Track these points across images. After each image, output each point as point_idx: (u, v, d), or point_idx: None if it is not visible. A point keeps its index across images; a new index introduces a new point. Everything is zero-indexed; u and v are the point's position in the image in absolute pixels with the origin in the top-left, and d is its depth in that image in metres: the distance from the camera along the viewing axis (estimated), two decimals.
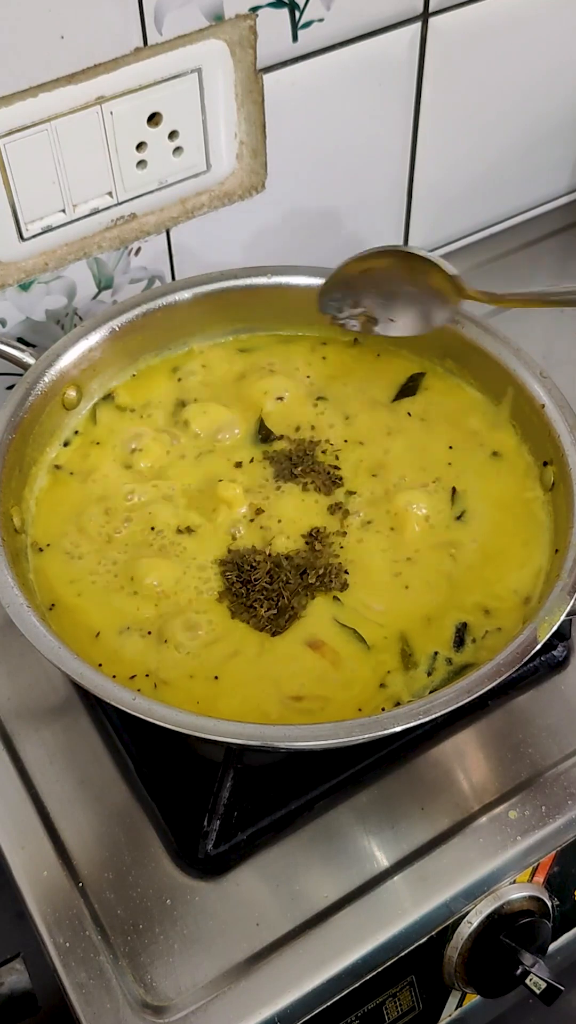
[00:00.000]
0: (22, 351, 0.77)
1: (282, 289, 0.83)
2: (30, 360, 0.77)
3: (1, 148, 0.74)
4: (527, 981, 0.68)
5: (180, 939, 0.65)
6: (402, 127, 0.94)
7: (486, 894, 0.67)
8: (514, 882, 0.68)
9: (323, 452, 0.78)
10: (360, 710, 0.65)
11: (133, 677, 0.66)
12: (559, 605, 0.64)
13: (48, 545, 0.73)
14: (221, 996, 0.62)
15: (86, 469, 0.77)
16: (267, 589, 0.70)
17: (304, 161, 0.90)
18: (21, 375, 0.76)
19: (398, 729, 0.59)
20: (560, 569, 0.67)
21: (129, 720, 0.62)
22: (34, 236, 0.80)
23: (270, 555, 0.72)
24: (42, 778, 0.72)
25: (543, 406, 0.75)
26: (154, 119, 0.80)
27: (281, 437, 0.79)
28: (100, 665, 0.66)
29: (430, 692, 0.64)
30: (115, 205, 0.82)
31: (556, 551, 0.70)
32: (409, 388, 0.82)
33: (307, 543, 0.73)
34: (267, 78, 0.82)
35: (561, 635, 0.77)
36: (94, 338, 0.79)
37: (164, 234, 0.87)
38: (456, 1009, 0.74)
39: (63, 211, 0.80)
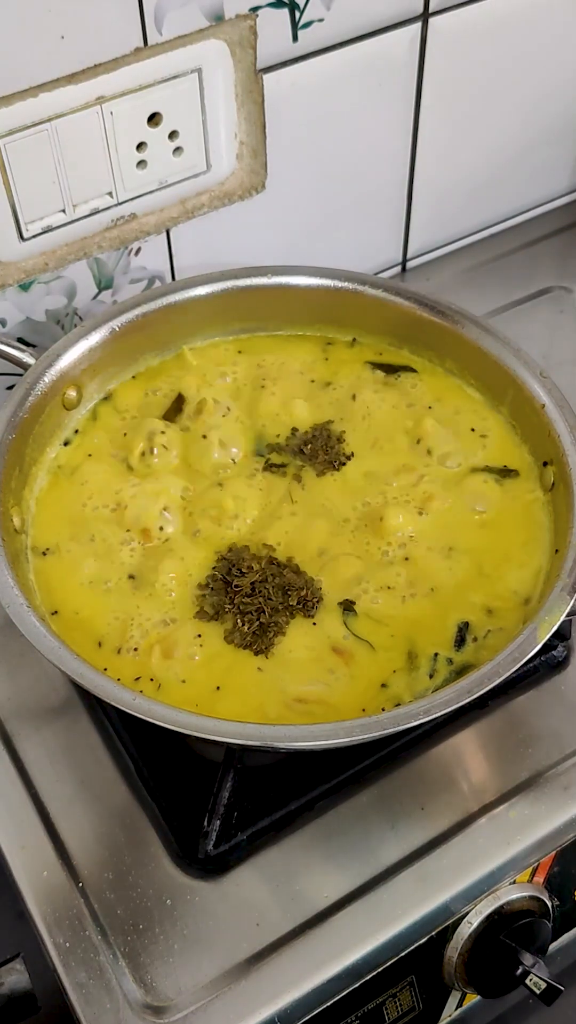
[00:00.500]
0: (22, 351, 0.77)
1: (282, 289, 0.83)
2: (30, 360, 0.77)
3: (1, 148, 0.74)
4: (527, 981, 0.68)
5: (180, 939, 0.65)
6: (402, 127, 0.94)
7: (486, 894, 0.67)
8: (514, 882, 0.68)
9: (324, 452, 0.78)
10: (364, 710, 0.65)
11: (138, 679, 0.66)
12: (559, 605, 0.64)
13: (48, 549, 0.73)
14: (221, 996, 0.62)
15: (86, 469, 0.77)
16: (246, 602, 0.69)
17: (304, 161, 0.90)
18: (21, 375, 0.76)
19: (398, 729, 0.59)
20: (560, 569, 0.67)
21: (129, 720, 0.62)
22: (34, 236, 0.80)
23: (263, 562, 0.72)
24: (42, 778, 0.71)
25: (543, 406, 0.75)
26: (154, 119, 0.80)
27: (282, 438, 0.79)
28: (105, 670, 0.66)
29: (431, 692, 0.64)
30: (115, 205, 0.82)
31: (556, 551, 0.70)
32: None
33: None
34: (267, 78, 0.82)
35: (561, 635, 0.77)
36: (94, 338, 0.79)
37: (164, 234, 0.87)
38: (456, 1009, 0.74)
39: (63, 211, 0.80)
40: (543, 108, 1.01)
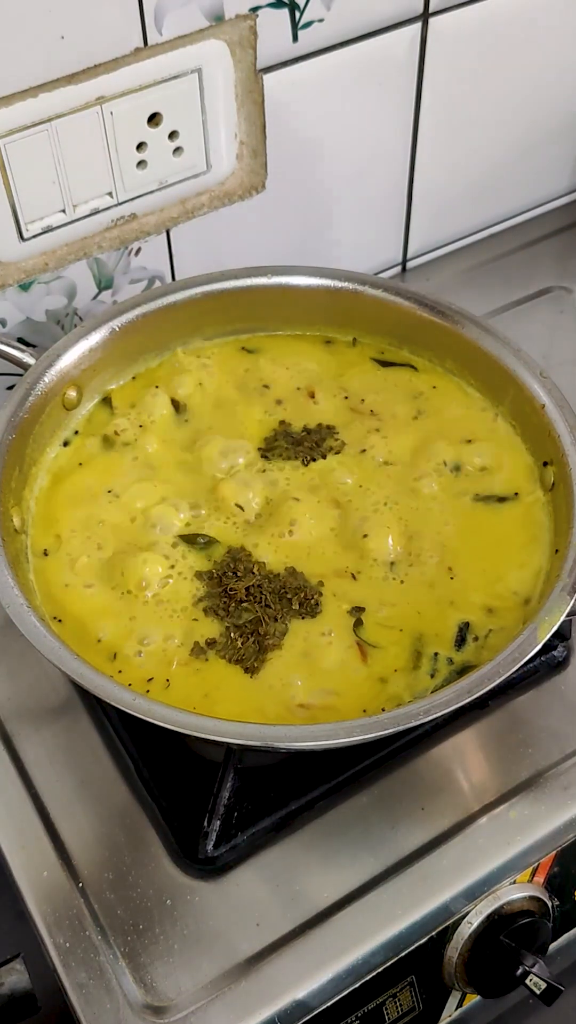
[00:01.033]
0: (22, 351, 0.77)
1: (282, 289, 0.83)
2: (30, 360, 0.77)
3: (1, 148, 0.74)
4: (527, 981, 0.68)
5: (180, 939, 0.65)
6: (402, 127, 0.94)
7: (486, 894, 0.67)
8: (514, 882, 0.68)
9: (325, 453, 0.78)
10: (365, 711, 0.65)
11: (151, 680, 0.66)
12: (559, 605, 0.64)
13: (46, 550, 0.73)
14: (221, 996, 0.62)
15: (86, 469, 0.77)
16: (244, 608, 0.69)
17: (304, 161, 0.90)
18: (21, 375, 0.76)
19: (398, 729, 0.59)
20: (560, 569, 0.67)
21: (129, 720, 0.62)
22: (34, 236, 0.80)
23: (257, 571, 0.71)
24: (42, 778, 0.71)
25: (543, 406, 0.75)
26: (154, 119, 0.80)
27: (283, 438, 0.79)
28: (120, 672, 0.66)
29: (431, 692, 0.64)
30: (115, 205, 0.82)
31: (556, 552, 0.70)
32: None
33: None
34: (267, 78, 0.83)
35: (561, 635, 0.77)
36: (94, 338, 0.79)
37: (164, 234, 0.87)
38: (456, 1009, 0.74)
39: (63, 211, 0.80)
40: (543, 108, 1.01)
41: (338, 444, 0.79)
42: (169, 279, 0.91)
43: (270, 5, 0.79)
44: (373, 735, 0.59)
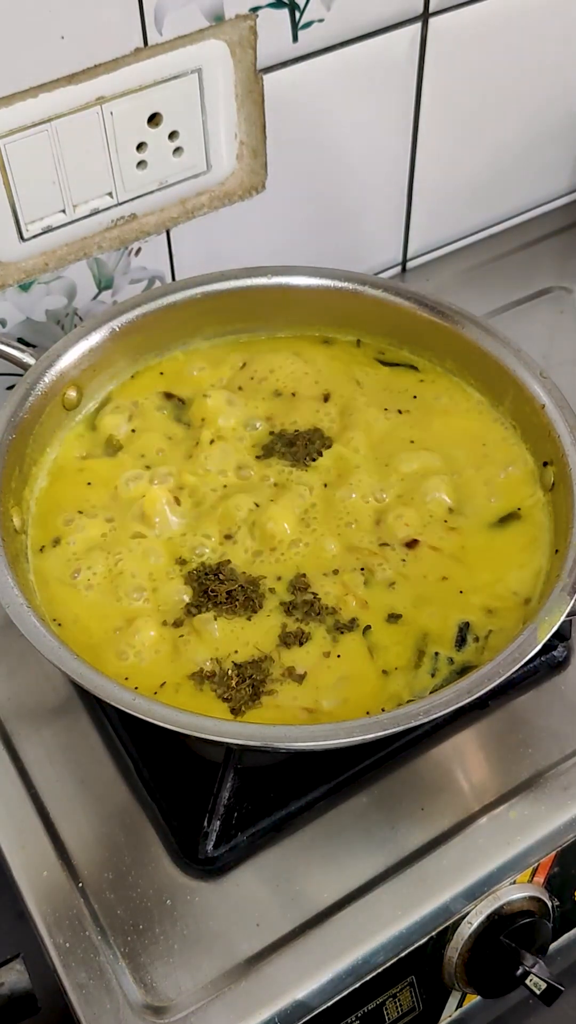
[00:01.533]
0: (22, 351, 0.77)
1: (282, 289, 0.83)
2: (30, 360, 0.77)
3: (1, 148, 0.74)
4: (527, 981, 0.68)
5: (180, 939, 0.65)
6: (402, 127, 0.94)
7: (486, 894, 0.67)
8: (514, 882, 0.68)
9: (326, 453, 0.78)
10: (368, 713, 0.65)
11: (163, 684, 0.66)
12: (559, 606, 0.64)
13: (43, 548, 0.73)
14: (221, 996, 0.62)
15: (86, 470, 0.77)
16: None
17: (304, 161, 0.90)
18: (21, 375, 0.76)
19: (398, 729, 0.59)
20: (560, 570, 0.67)
21: (129, 720, 0.62)
22: (34, 236, 0.80)
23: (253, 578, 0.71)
24: (42, 778, 0.72)
25: (543, 406, 0.75)
26: (154, 119, 0.80)
27: (283, 438, 0.79)
28: (127, 679, 0.66)
29: (431, 692, 0.64)
30: (115, 205, 0.82)
31: (556, 552, 0.70)
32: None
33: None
34: (267, 78, 0.83)
35: (561, 635, 0.77)
36: (94, 338, 0.79)
37: (164, 234, 0.87)
38: (456, 1010, 0.74)
39: (63, 211, 0.80)
40: (543, 108, 1.01)
41: (338, 445, 0.79)
42: (169, 279, 0.91)
43: (270, 5, 0.79)
44: (373, 735, 0.59)
